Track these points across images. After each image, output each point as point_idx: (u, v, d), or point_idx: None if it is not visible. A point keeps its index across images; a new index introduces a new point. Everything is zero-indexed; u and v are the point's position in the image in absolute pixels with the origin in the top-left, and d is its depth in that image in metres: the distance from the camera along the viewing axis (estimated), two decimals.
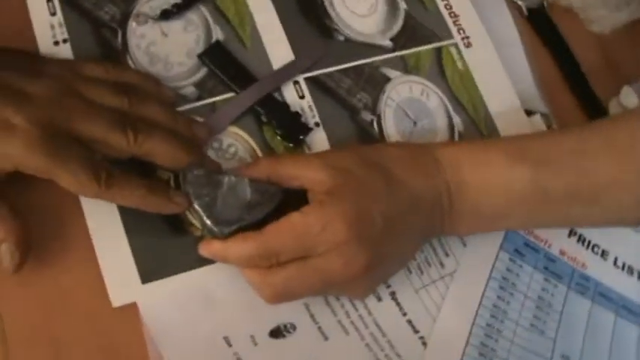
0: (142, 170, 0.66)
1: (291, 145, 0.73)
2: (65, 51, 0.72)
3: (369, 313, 0.71)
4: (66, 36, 0.73)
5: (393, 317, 0.71)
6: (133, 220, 0.66)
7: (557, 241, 0.80)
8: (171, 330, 0.64)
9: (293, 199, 0.66)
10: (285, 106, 0.75)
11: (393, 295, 0.72)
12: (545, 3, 0.93)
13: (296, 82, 0.77)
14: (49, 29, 0.72)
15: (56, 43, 0.72)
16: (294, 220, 0.63)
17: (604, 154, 0.70)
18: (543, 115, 0.85)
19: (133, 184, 0.63)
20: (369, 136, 0.77)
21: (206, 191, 0.65)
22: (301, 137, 0.74)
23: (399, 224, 0.66)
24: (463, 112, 0.81)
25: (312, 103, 0.76)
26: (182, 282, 0.66)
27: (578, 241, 0.82)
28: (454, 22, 0.86)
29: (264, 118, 0.73)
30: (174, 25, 0.77)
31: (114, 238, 0.66)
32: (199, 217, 0.65)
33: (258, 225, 0.64)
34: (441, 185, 0.69)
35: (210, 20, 0.77)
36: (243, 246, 0.63)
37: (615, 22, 0.94)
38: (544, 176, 0.69)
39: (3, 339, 0.63)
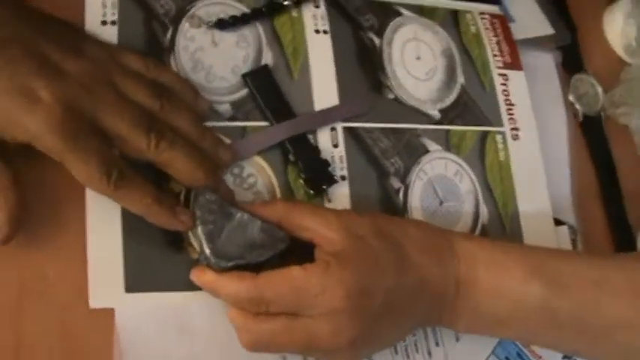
0: (156, 176, 0.64)
1: (312, 192, 0.71)
2: (111, 33, 0.69)
3: None
4: (115, 18, 0.70)
5: None
6: (132, 225, 0.64)
7: None
8: (143, 348, 0.62)
9: (298, 250, 0.64)
10: (316, 150, 0.72)
11: None
12: (602, 114, 0.90)
13: (333, 129, 0.74)
14: (100, 7, 0.70)
15: (104, 22, 0.70)
16: (296, 274, 0.60)
17: (624, 293, 0.67)
18: (570, 227, 0.81)
19: (142, 190, 0.61)
20: (392, 203, 0.74)
21: (213, 219, 0.63)
22: (324, 187, 0.71)
23: (399, 306, 0.64)
24: (492, 203, 0.79)
25: (343, 155, 0.73)
26: (165, 301, 0.64)
27: None
28: (507, 110, 0.83)
29: (291, 157, 0.71)
30: (227, 37, 0.74)
31: (109, 237, 0.63)
32: (199, 243, 0.63)
33: (257, 267, 0.62)
34: (452, 277, 0.66)
35: (264, 41, 0.75)
36: (236, 285, 0.61)
37: None
38: (556, 299, 0.66)
39: None
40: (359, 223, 0.64)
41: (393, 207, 0.74)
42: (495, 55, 0.85)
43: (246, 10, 0.75)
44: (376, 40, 0.80)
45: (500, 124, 0.82)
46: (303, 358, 0.67)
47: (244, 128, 0.71)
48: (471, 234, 0.77)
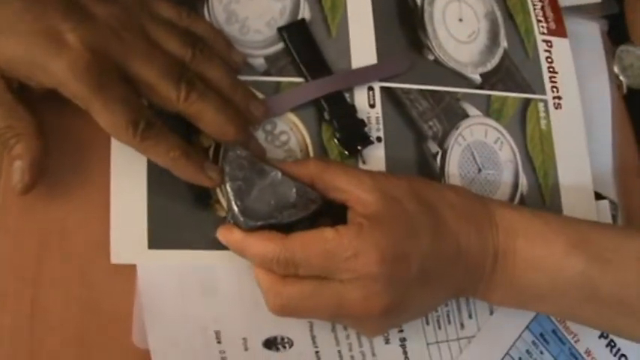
0: (185, 129, 0.62)
1: (346, 152, 0.68)
2: None
3: (373, 354, 0.66)
4: None
5: None
6: (158, 179, 0.62)
7: (586, 339, 0.74)
8: (164, 307, 0.61)
9: (330, 212, 0.61)
10: (352, 109, 0.69)
11: (402, 341, 0.67)
12: None
13: (370, 89, 0.71)
14: None
15: None
16: (327, 236, 0.58)
17: None
18: (612, 202, 0.78)
19: (170, 142, 0.59)
20: (429, 168, 0.72)
21: (242, 175, 0.60)
22: (359, 148, 0.69)
23: (434, 275, 0.61)
24: (532, 174, 0.76)
25: (380, 115, 0.71)
26: (190, 259, 0.62)
27: (607, 345, 0.75)
28: (550, 79, 0.80)
29: (326, 116, 0.68)
30: None
31: (133, 191, 0.62)
32: (227, 200, 0.60)
33: (287, 228, 0.59)
34: (490, 247, 0.63)
35: None
36: (265, 245, 0.58)
37: None
38: (599, 274, 0.63)
39: None
40: (394, 186, 0.61)
41: (429, 172, 0.72)
42: (540, 21, 0.81)
43: None
44: None
45: (543, 92, 0.79)
46: (331, 325, 0.65)
47: (278, 84, 0.68)
48: (511, 203, 0.73)
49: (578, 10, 0.85)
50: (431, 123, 0.73)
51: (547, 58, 0.80)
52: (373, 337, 0.66)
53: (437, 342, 0.69)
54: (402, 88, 0.73)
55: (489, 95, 0.76)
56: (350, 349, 0.65)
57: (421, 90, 0.73)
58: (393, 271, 0.58)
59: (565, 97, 0.80)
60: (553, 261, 0.63)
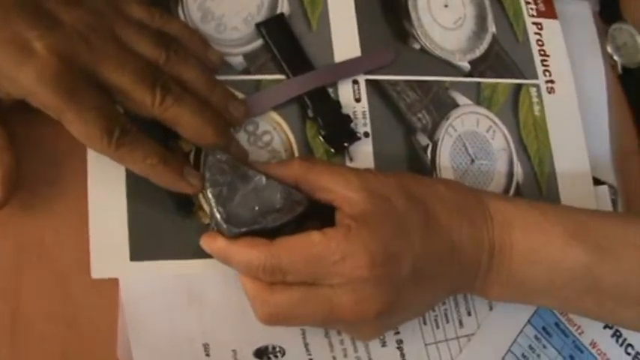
0: (164, 134, 0.60)
1: (332, 150, 0.66)
2: None
3: (369, 358, 0.64)
4: None
5: None
6: (138, 188, 0.60)
7: (591, 330, 0.72)
8: (150, 320, 0.59)
9: (317, 214, 0.59)
10: (337, 105, 0.67)
11: (399, 343, 0.65)
12: None
13: (355, 82, 0.69)
14: None
15: None
16: (314, 240, 0.55)
17: None
18: (611, 187, 0.76)
19: (147, 149, 0.56)
20: (419, 162, 0.69)
21: (224, 180, 0.58)
22: (346, 144, 0.66)
23: (428, 274, 0.59)
24: (527, 162, 0.73)
25: (366, 109, 0.68)
26: (174, 269, 0.60)
27: (613, 336, 0.73)
28: (542, 62, 0.77)
29: (310, 113, 0.66)
30: None
31: (112, 202, 0.60)
32: (210, 207, 0.58)
33: (272, 233, 0.57)
34: (486, 242, 0.61)
35: None
36: (249, 252, 0.56)
37: None
38: (600, 265, 0.61)
39: None
40: (383, 183, 0.59)
41: (420, 166, 0.69)
42: (528, 3, 0.79)
43: None
44: None
45: (535, 77, 0.76)
46: (324, 331, 0.63)
47: (259, 82, 0.66)
48: (506, 194, 0.71)
49: None
50: (420, 115, 0.71)
51: (537, 41, 0.78)
52: (368, 342, 0.64)
53: (435, 342, 0.67)
54: (388, 80, 0.70)
55: (479, 83, 0.74)
56: (345, 355, 0.63)
57: (408, 81, 0.71)
58: (384, 272, 0.56)
59: (558, 80, 0.77)
60: (551, 253, 0.61)
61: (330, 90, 0.68)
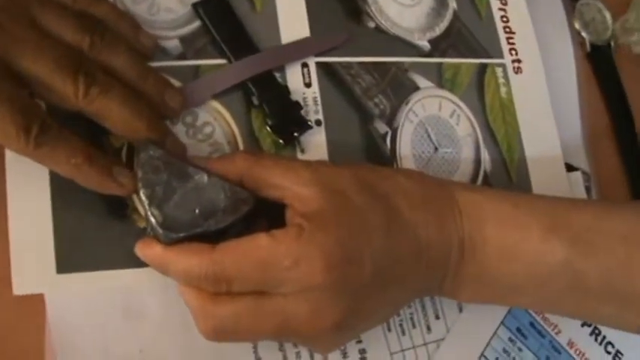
0: (91, 129, 0.54)
1: (281, 141, 0.61)
2: None
3: None
4: None
5: None
6: (64, 189, 0.54)
7: (568, 330, 0.68)
8: (82, 338, 0.53)
9: (265, 214, 0.54)
10: (285, 90, 0.62)
11: (362, 353, 0.60)
12: (612, 43, 0.78)
13: (305, 66, 0.64)
14: None
15: None
16: (261, 243, 0.50)
17: None
18: (584, 173, 0.71)
19: (70, 147, 0.51)
20: (378, 151, 0.64)
21: (159, 179, 0.52)
22: (296, 134, 0.61)
23: (392, 277, 0.53)
24: (495, 148, 0.68)
25: (318, 95, 0.63)
26: (107, 281, 0.54)
27: (592, 334, 0.69)
28: (507, 40, 0.72)
29: (255, 100, 0.61)
30: None
31: (36, 208, 0.54)
32: (144, 210, 0.52)
33: (216, 236, 0.51)
34: (455, 238, 0.56)
35: None
36: (188, 260, 0.50)
37: None
38: (582, 260, 0.56)
39: None
40: (337, 176, 0.54)
41: (379, 155, 0.64)
42: None
43: None
44: None
45: (500, 56, 0.71)
46: (278, 344, 0.58)
47: (197, 67, 0.61)
48: (474, 184, 0.66)
49: None
50: (377, 100, 0.66)
51: (502, 17, 0.73)
52: (327, 354, 0.59)
53: (402, 350, 0.62)
54: (340, 63, 0.65)
55: (440, 63, 0.69)
56: None
57: (363, 63, 0.66)
58: (342, 277, 0.50)
59: (525, 59, 0.72)
60: (528, 248, 0.56)
61: (278, 75, 0.63)
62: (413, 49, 0.68)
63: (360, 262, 0.51)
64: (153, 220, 0.51)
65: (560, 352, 0.67)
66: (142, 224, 0.55)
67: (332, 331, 0.52)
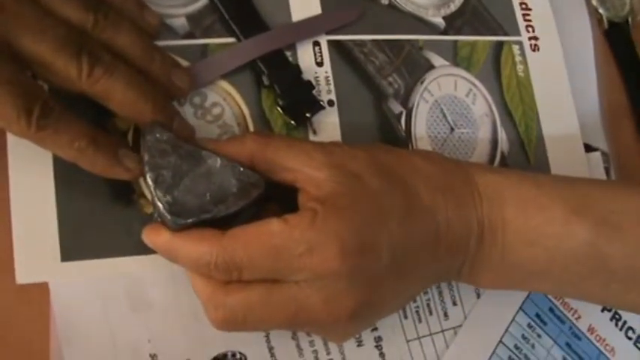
0: (96, 111, 0.52)
1: (292, 122, 0.59)
2: None
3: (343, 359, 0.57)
4: None
5: None
6: (68, 174, 0.52)
7: (588, 315, 0.66)
8: (85, 329, 0.52)
9: (278, 198, 0.52)
10: (296, 70, 0.60)
11: (378, 341, 0.59)
12: (630, 20, 0.76)
13: (316, 44, 0.62)
14: None
15: None
16: (274, 229, 0.48)
17: None
18: (604, 154, 0.70)
19: (73, 130, 0.49)
20: (392, 132, 0.62)
21: (167, 163, 0.50)
22: (308, 115, 0.59)
23: (409, 263, 0.51)
24: (512, 128, 0.66)
25: (330, 74, 0.61)
26: (113, 269, 0.53)
27: (612, 319, 0.67)
28: (524, 17, 0.70)
29: (266, 80, 0.59)
30: None
31: (39, 194, 0.52)
32: (151, 195, 0.50)
33: (225, 223, 0.49)
34: (474, 222, 0.53)
35: None
36: (198, 247, 0.48)
37: None
38: (606, 242, 0.54)
39: None
40: (352, 158, 0.51)
41: (393, 137, 0.62)
42: None
43: None
44: None
45: (517, 33, 0.69)
46: (291, 332, 0.56)
47: (205, 46, 0.59)
48: (492, 166, 0.64)
49: None
50: (391, 79, 0.63)
51: None
52: (342, 343, 0.57)
53: (418, 337, 0.60)
54: (353, 40, 0.63)
55: (456, 41, 0.67)
56: (316, 358, 0.57)
57: (376, 41, 0.64)
58: (358, 265, 0.48)
59: (542, 37, 0.70)
60: (551, 231, 0.54)
61: (288, 54, 0.61)
62: (427, 27, 0.66)
63: (377, 250, 0.49)
64: (160, 205, 0.49)
65: (580, 339, 0.65)
66: (149, 210, 0.54)
67: (346, 321, 0.50)
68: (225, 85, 0.58)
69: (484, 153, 0.65)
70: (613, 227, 0.54)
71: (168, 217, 0.49)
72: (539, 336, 0.63)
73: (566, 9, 0.74)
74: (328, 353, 0.57)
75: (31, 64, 0.48)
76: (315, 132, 0.60)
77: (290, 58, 0.60)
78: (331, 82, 0.61)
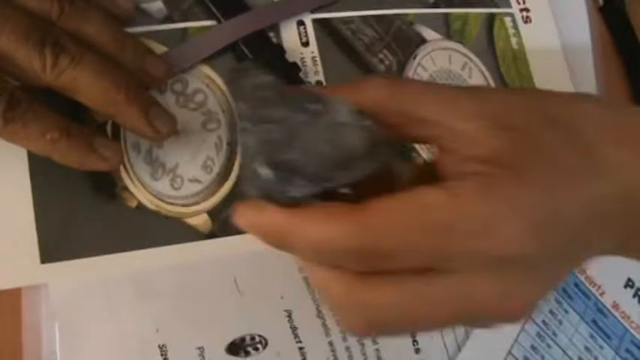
0: (72, 104, 0.49)
1: None
2: None
3: (374, 341, 0.54)
4: None
5: (402, 352, 0.55)
6: (45, 169, 0.50)
7: (611, 291, 0.64)
8: (90, 327, 0.49)
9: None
10: (280, 51, 0.57)
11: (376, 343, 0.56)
12: None
13: (301, 23, 0.60)
14: None
15: None
16: (431, 201, 0.36)
17: None
18: None
19: (44, 122, 0.46)
20: None
21: (275, 116, 0.38)
22: None
23: (595, 235, 0.41)
24: None
25: (317, 54, 0.59)
26: (95, 268, 0.50)
27: (635, 296, 0.65)
28: None
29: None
30: None
31: (14, 192, 0.49)
32: (247, 158, 0.38)
33: (345, 195, 0.40)
34: None
35: None
36: (327, 228, 0.36)
37: None
38: None
39: None
40: (512, 107, 0.40)
41: None
42: None
43: None
44: None
45: (508, 5, 0.67)
46: (316, 310, 0.54)
47: (184, 30, 0.56)
48: None
49: None
50: (381, 55, 0.61)
51: None
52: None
53: None
54: (340, 18, 0.61)
55: (447, 14, 0.65)
56: (344, 339, 0.53)
57: (364, 17, 0.62)
58: (545, 246, 0.37)
59: (533, 8, 0.69)
60: None
61: (272, 34, 0.58)
62: (416, 0, 0.65)
63: (563, 221, 0.38)
64: (265, 172, 0.37)
65: (606, 316, 0.63)
66: (132, 203, 0.51)
67: (521, 314, 0.40)
68: (206, 70, 0.56)
69: None
70: None
71: (279, 187, 0.37)
72: (566, 311, 0.61)
73: None
74: None
75: None
76: None
77: (274, 39, 0.58)
78: (318, 62, 0.59)
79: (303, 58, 0.58)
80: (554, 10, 0.70)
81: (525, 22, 0.68)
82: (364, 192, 0.38)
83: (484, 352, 0.57)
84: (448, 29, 0.64)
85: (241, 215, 0.38)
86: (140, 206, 0.51)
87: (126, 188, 0.51)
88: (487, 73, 0.64)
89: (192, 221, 0.52)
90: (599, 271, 0.63)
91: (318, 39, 0.59)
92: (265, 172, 0.36)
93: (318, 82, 0.58)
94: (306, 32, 0.59)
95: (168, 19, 0.56)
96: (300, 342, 0.52)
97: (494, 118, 0.38)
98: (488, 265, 0.37)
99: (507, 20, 0.67)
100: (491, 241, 0.36)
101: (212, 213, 0.53)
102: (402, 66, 0.61)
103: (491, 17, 0.66)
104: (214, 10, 0.56)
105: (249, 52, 0.56)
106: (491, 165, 0.37)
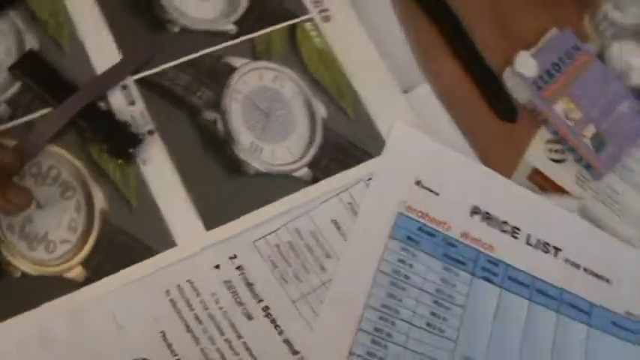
0: None
1: (120, 160, 0.64)
2: None
3: (238, 336, 0.62)
4: None
5: (267, 338, 0.62)
6: None
7: (458, 223, 0.71)
8: None
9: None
10: (109, 115, 0.65)
11: (266, 310, 0.63)
12: None
13: (125, 87, 0.67)
14: None
15: None
16: None
17: None
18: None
19: None
20: (213, 136, 0.68)
21: None
22: (131, 150, 0.64)
23: None
24: (325, 95, 0.72)
25: (144, 109, 0.67)
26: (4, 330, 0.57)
27: (483, 219, 0.72)
28: None
29: (88, 133, 0.65)
30: None
31: None
32: None
33: None
34: None
35: (22, 27, 0.68)
36: None
37: None
38: None
39: None
40: None
41: (215, 140, 0.68)
42: None
43: None
44: None
45: (306, 12, 0.75)
46: (185, 326, 0.62)
47: (29, 123, 0.64)
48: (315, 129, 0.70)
49: None
50: (199, 93, 0.69)
51: None
52: None
53: (302, 296, 0.64)
54: (156, 73, 0.69)
55: (251, 39, 0.72)
56: (213, 342, 0.61)
57: (177, 65, 0.69)
58: None
59: (330, 6, 0.76)
60: None
61: (102, 104, 0.66)
62: (222, 36, 0.71)
63: None
64: None
65: (455, 246, 0.70)
66: (17, 273, 0.59)
67: None
68: (55, 148, 0.63)
69: (305, 124, 0.71)
70: None
71: None
72: (414, 255, 0.68)
73: None
74: (222, 334, 0.61)
75: None
76: (144, 162, 0.65)
77: (104, 107, 0.66)
78: (146, 115, 0.66)
79: (132, 115, 0.66)
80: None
81: (325, 21, 0.75)
82: None
83: (339, 310, 0.64)
84: (254, 52, 0.72)
85: None
86: (24, 274, 0.59)
87: (9, 263, 0.59)
88: (298, 79, 0.72)
89: (70, 274, 0.60)
90: (441, 209, 0.71)
91: (142, 95, 0.67)
92: None
93: (150, 131, 0.66)
94: (130, 93, 0.67)
95: (13, 117, 0.64)
96: (176, 355, 0.59)
97: None
98: None
99: (308, 25, 0.74)
100: None
101: (84, 263, 0.60)
102: (218, 96, 0.69)
103: (293, 28, 0.74)
104: (49, 98, 0.64)
105: (85, 123, 0.64)
106: None
